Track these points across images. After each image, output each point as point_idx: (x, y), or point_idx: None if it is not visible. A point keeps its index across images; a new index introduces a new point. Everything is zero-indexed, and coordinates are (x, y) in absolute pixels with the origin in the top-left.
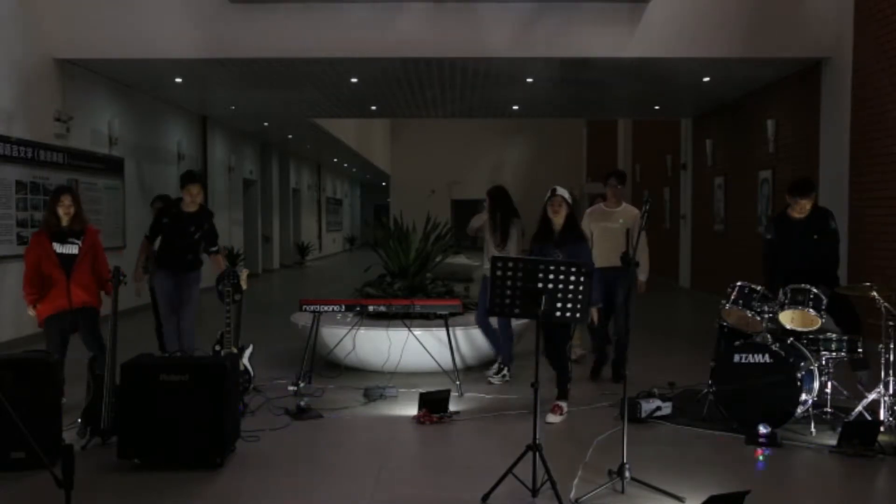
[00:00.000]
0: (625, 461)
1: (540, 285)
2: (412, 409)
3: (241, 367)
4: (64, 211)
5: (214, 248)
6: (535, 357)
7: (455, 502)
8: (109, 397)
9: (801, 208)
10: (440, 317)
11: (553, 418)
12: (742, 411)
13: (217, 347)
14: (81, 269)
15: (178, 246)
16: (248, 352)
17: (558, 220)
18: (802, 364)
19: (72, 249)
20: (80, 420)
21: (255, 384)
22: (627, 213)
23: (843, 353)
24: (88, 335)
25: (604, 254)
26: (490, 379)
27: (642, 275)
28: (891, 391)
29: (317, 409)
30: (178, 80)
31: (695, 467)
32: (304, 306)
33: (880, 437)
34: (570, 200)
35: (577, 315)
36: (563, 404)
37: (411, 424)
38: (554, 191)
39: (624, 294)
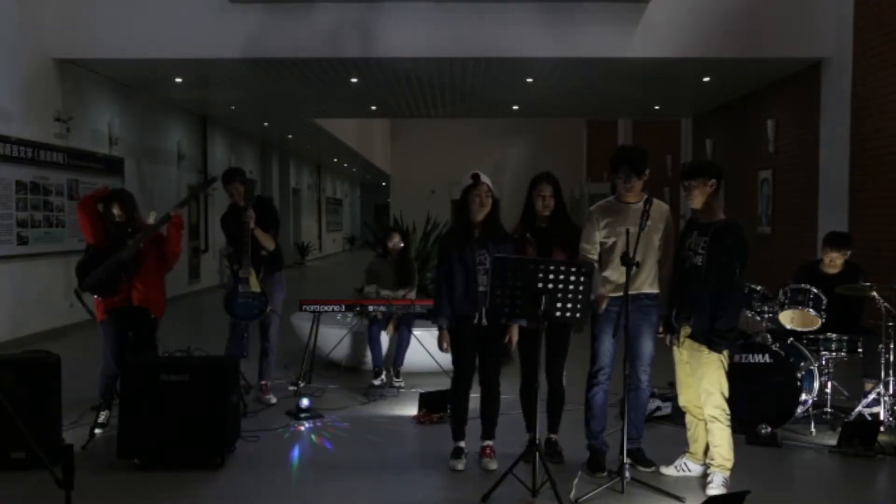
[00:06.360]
0: (625, 461)
1: (540, 285)
2: (412, 409)
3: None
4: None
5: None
6: (536, 358)
7: (455, 502)
8: None
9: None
10: None
11: (490, 464)
12: (742, 411)
13: None
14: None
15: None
16: None
17: (481, 215)
18: (802, 364)
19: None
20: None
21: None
22: (657, 211)
23: (843, 353)
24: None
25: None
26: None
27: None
28: (891, 391)
29: (317, 409)
30: (178, 80)
31: None
32: (304, 306)
33: (880, 437)
34: (494, 192)
35: (577, 315)
36: (491, 443)
37: (411, 424)
38: (478, 177)
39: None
